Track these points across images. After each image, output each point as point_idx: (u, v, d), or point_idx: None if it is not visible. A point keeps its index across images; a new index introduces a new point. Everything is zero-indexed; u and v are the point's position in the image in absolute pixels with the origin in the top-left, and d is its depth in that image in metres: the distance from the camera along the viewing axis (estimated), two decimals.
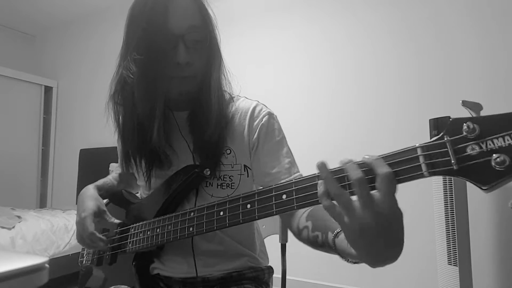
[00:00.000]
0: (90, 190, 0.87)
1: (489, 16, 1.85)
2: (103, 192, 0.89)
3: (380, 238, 0.44)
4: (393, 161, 0.45)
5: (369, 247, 0.46)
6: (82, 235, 0.78)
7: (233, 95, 0.84)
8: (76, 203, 0.87)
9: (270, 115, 0.81)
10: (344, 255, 0.55)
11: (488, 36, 1.84)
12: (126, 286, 0.79)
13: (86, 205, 0.81)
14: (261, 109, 0.81)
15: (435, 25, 1.99)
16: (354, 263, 0.54)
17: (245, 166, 0.79)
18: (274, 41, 2.53)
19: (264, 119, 0.79)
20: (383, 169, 0.43)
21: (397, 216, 0.44)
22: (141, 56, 0.69)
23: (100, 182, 0.92)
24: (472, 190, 1.65)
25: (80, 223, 0.79)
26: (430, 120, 1.56)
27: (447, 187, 1.50)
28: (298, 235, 0.69)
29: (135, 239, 0.79)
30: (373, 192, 0.44)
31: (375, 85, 2.14)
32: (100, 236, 0.77)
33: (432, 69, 1.98)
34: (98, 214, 0.81)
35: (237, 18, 2.67)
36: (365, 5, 2.21)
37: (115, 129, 0.83)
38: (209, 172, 0.74)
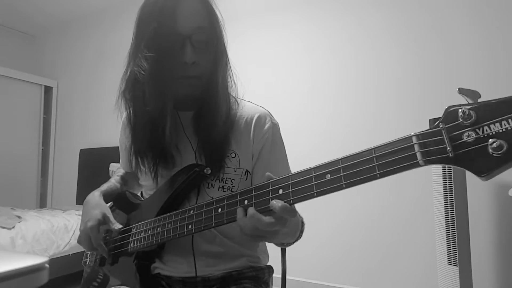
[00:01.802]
0: (96, 197, 0.86)
1: (489, 16, 1.85)
2: (108, 197, 0.89)
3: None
4: (389, 150, 0.46)
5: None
6: (88, 243, 0.79)
7: (237, 98, 0.85)
8: (80, 203, 0.88)
9: (274, 126, 0.82)
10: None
11: (488, 36, 1.84)
12: (127, 287, 0.79)
13: (92, 214, 0.81)
14: (266, 120, 0.82)
15: (435, 25, 1.99)
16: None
17: (246, 171, 0.79)
18: (274, 41, 2.53)
19: (269, 132, 0.80)
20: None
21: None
22: (152, 54, 0.70)
23: (104, 187, 0.92)
24: (473, 190, 1.65)
25: (85, 232, 0.79)
26: (430, 120, 1.56)
27: (447, 187, 1.50)
28: None
29: (136, 238, 0.79)
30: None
31: (375, 85, 2.14)
32: (105, 248, 0.79)
33: (432, 69, 1.98)
34: (103, 222, 0.81)
35: (237, 18, 2.67)
36: (366, 5, 2.21)
37: (125, 126, 0.82)
38: (209, 171, 0.74)
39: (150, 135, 0.75)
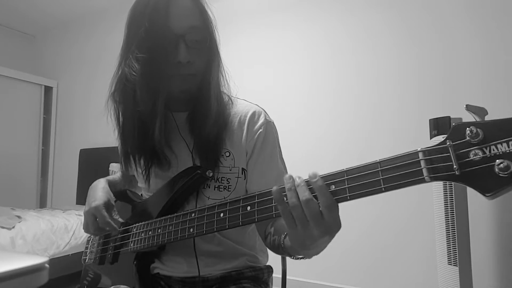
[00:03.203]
0: (102, 183, 0.88)
1: (489, 16, 1.85)
2: (112, 188, 0.90)
3: (319, 240, 0.52)
4: (395, 164, 0.45)
5: (310, 246, 0.54)
6: (93, 224, 0.79)
7: (231, 97, 0.85)
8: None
9: (268, 123, 0.82)
10: (291, 252, 0.63)
11: (488, 36, 1.84)
12: (126, 287, 0.79)
13: (98, 195, 0.82)
14: (260, 116, 0.82)
15: (435, 25, 1.99)
16: (299, 258, 0.65)
17: (242, 169, 0.79)
18: (274, 41, 2.53)
19: (262, 128, 0.80)
20: (326, 201, 0.49)
21: (337, 224, 0.52)
22: (143, 55, 0.70)
23: (110, 177, 0.93)
24: (472, 190, 1.65)
25: (90, 212, 0.79)
26: (430, 120, 1.56)
27: (447, 187, 1.50)
28: (265, 240, 0.75)
29: (137, 238, 0.79)
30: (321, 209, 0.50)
31: (375, 85, 2.14)
32: (114, 224, 0.78)
33: (432, 69, 1.98)
34: (107, 208, 0.81)
35: (236, 18, 2.67)
36: (366, 5, 2.21)
37: (114, 127, 0.83)
38: (211, 174, 0.74)
39: (141, 135, 0.75)
